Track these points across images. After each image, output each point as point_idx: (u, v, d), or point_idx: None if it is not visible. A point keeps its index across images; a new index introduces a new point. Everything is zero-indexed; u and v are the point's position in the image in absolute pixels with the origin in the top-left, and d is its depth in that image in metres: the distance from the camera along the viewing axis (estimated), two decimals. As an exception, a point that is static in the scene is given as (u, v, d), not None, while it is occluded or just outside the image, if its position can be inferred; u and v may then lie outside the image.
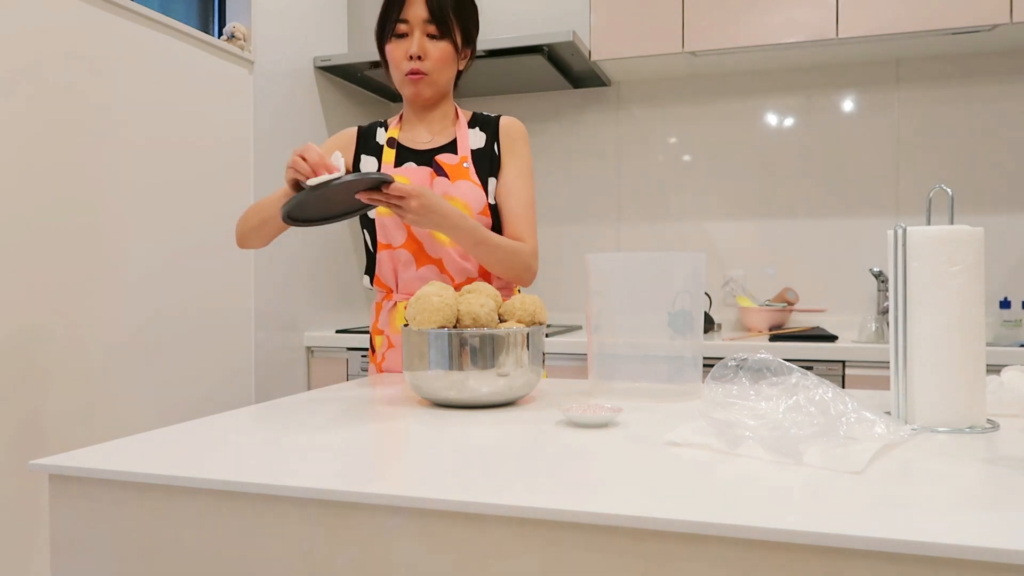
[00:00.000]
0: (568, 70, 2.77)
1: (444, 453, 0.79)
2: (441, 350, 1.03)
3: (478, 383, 1.03)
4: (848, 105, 2.71)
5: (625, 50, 2.54)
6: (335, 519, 0.67)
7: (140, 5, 1.96)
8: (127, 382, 1.91)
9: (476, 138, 1.52)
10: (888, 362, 0.93)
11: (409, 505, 0.64)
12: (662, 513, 0.58)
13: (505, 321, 1.12)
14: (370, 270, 1.54)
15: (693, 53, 2.52)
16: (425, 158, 1.50)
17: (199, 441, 0.86)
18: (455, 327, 1.06)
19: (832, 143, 2.72)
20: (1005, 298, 2.42)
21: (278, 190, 1.39)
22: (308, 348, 2.65)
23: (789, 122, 2.77)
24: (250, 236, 1.46)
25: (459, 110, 1.56)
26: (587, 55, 2.57)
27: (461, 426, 0.93)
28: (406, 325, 1.09)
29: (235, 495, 0.70)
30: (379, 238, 1.48)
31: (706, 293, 2.76)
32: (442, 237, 1.45)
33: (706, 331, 2.61)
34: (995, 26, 2.25)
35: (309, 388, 2.65)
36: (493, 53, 2.57)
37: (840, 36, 2.35)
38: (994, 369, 1.09)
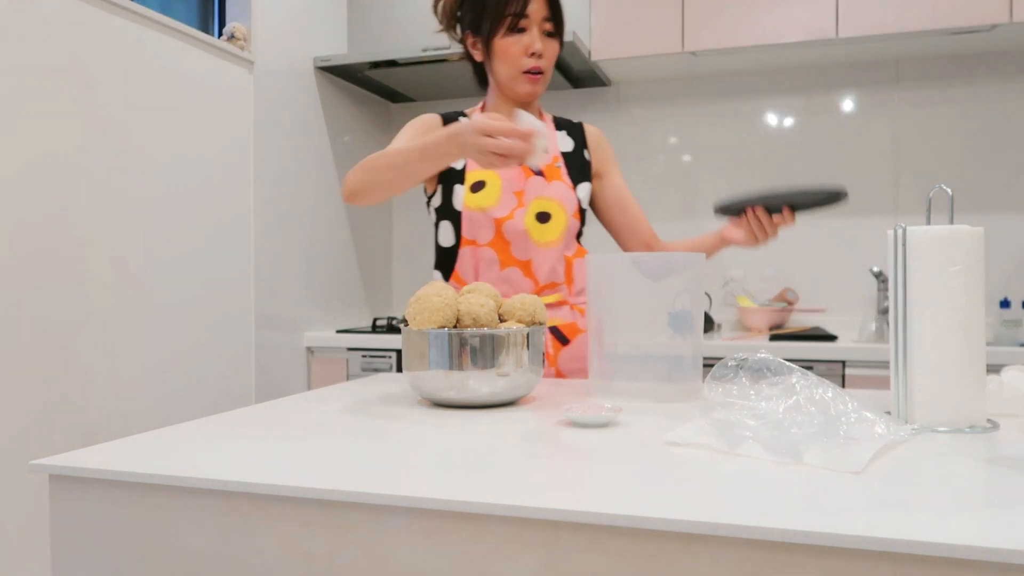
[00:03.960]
0: (568, 70, 2.77)
1: (444, 453, 0.79)
2: (441, 350, 1.03)
3: (478, 383, 1.03)
4: (848, 105, 2.71)
5: (625, 50, 2.54)
6: (335, 519, 0.67)
7: (140, 5, 1.96)
8: (127, 382, 1.91)
9: (564, 141, 1.51)
10: (888, 362, 0.93)
11: (409, 505, 0.64)
12: (662, 513, 0.58)
13: (505, 321, 1.12)
14: (443, 265, 1.47)
15: (693, 53, 2.52)
16: None
17: (199, 441, 0.86)
18: (455, 327, 1.06)
19: (832, 143, 2.72)
20: (1005, 298, 2.42)
21: (412, 145, 1.23)
22: (308, 348, 2.65)
23: (789, 122, 2.77)
24: (375, 191, 1.29)
25: (541, 109, 1.53)
26: (587, 55, 2.57)
27: (461, 426, 0.93)
28: (406, 325, 1.09)
29: (235, 495, 0.70)
30: (464, 232, 1.42)
31: (706, 293, 2.76)
32: (536, 236, 1.41)
33: (706, 331, 2.61)
34: (995, 26, 2.25)
35: (309, 388, 2.65)
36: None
37: (840, 36, 2.35)
38: (994, 369, 1.09)
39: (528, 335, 1.07)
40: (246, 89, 2.35)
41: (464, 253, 1.44)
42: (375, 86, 2.99)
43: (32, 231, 1.67)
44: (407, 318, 1.08)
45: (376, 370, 2.57)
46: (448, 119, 1.49)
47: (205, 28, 2.40)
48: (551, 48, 1.41)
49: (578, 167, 1.50)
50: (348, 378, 2.62)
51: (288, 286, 2.57)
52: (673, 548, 0.58)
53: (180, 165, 2.09)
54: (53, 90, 1.72)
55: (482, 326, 1.06)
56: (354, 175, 1.30)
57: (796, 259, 2.76)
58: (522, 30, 1.38)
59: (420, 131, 1.46)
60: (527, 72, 1.39)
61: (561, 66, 2.71)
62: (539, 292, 1.45)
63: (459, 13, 1.46)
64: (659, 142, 2.90)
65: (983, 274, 0.88)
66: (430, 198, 1.50)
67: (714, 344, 2.26)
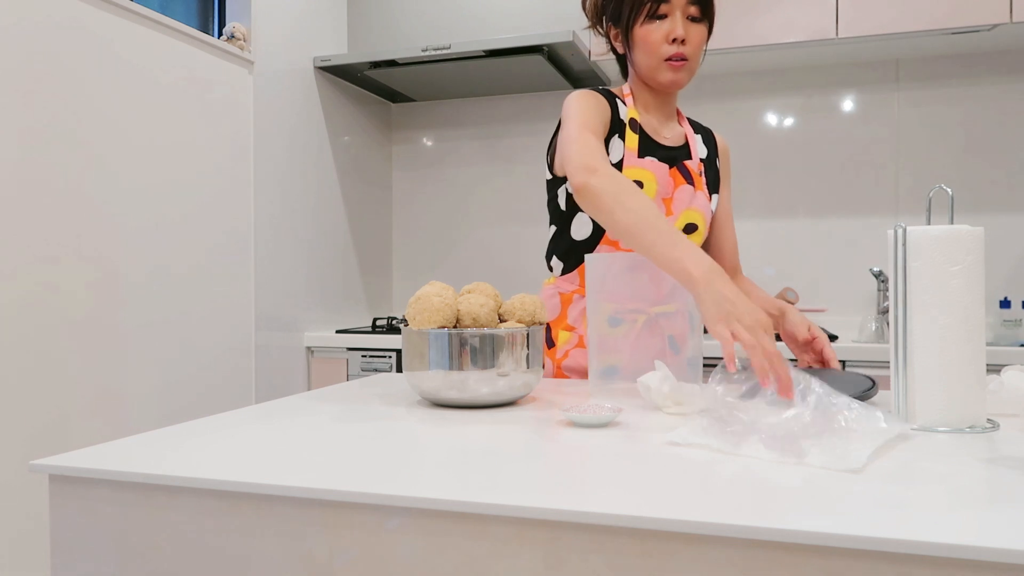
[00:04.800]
0: (568, 70, 2.77)
1: (444, 453, 0.79)
2: (441, 350, 1.03)
3: (478, 383, 1.03)
4: (848, 105, 2.71)
5: (625, 50, 2.54)
6: (335, 519, 0.67)
7: (140, 5, 1.96)
8: (127, 382, 1.91)
9: (701, 147, 1.45)
10: (888, 362, 0.93)
11: (409, 505, 0.64)
12: (662, 513, 0.58)
13: (505, 321, 1.12)
14: (568, 257, 1.41)
15: (693, 53, 2.51)
16: (667, 156, 1.38)
17: (199, 441, 0.86)
18: (455, 327, 1.06)
19: (832, 143, 2.72)
20: (1005, 298, 2.42)
21: (661, 221, 1.10)
22: (308, 348, 2.65)
23: (789, 122, 2.77)
24: (601, 215, 1.16)
25: (679, 110, 1.47)
26: (587, 55, 2.57)
27: (461, 426, 0.93)
28: (406, 325, 1.09)
29: (235, 495, 0.70)
30: (609, 233, 1.35)
31: (706, 293, 2.75)
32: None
33: (706, 331, 2.61)
34: (995, 26, 2.25)
35: (309, 388, 2.65)
36: (493, 53, 2.57)
37: (840, 36, 2.35)
38: (994, 369, 1.09)
39: (528, 335, 1.07)
40: (246, 89, 2.35)
41: (601, 251, 1.37)
42: (375, 86, 2.99)
43: (30, 231, 1.67)
44: (407, 318, 1.08)
45: (376, 370, 2.57)
46: (611, 101, 1.38)
47: (205, 28, 2.40)
48: (696, 34, 1.31)
49: (712, 177, 1.44)
50: (348, 378, 2.62)
51: (288, 286, 2.57)
52: (673, 548, 0.58)
53: (180, 165, 2.09)
54: (52, 90, 1.72)
55: (482, 326, 1.06)
56: (602, 182, 1.16)
57: (796, 259, 2.76)
58: (663, 16, 1.30)
59: (595, 108, 1.33)
60: (669, 60, 1.31)
61: (561, 66, 2.71)
62: (662, 300, 1.41)
63: (602, 5, 1.40)
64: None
65: (983, 274, 0.88)
66: (562, 180, 1.40)
67: (714, 344, 2.26)
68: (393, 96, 3.16)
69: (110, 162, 1.87)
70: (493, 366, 1.03)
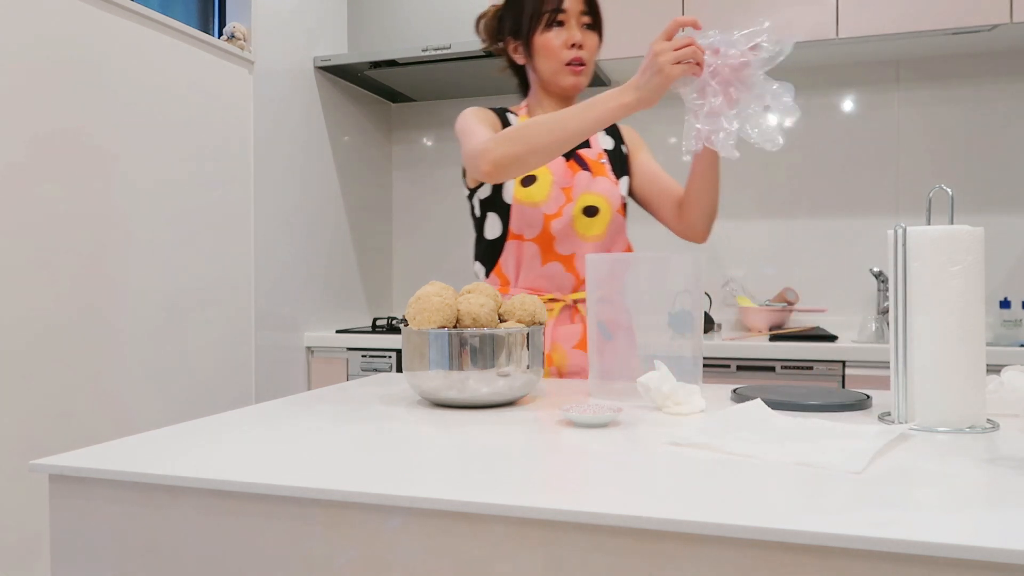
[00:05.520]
0: (568, 70, 2.77)
1: (444, 453, 0.79)
2: (441, 350, 1.03)
3: (478, 383, 1.03)
4: (848, 105, 2.71)
5: (624, 50, 2.54)
6: (335, 519, 0.67)
7: (140, 5, 1.96)
8: (127, 382, 1.91)
9: (605, 140, 1.54)
10: (888, 362, 0.93)
11: (409, 505, 0.64)
12: (662, 513, 0.58)
13: (505, 321, 1.12)
14: (486, 258, 1.49)
15: (693, 53, 2.51)
16: None
17: (199, 441, 0.86)
18: (455, 327, 1.06)
19: (832, 143, 2.72)
20: (1005, 298, 2.42)
21: (568, 108, 1.21)
22: (308, 348, 2.65)
23: (789, 122, 2.77)
24: (527, 159, 1.22)
25: None
26: (587, 55, 2.57)
27: (461, 426, 0.93)
28: (406, 325, 1.09)
29: (235, 495, 0.70)
30: (511, 226, 1.43)
31: (706, 293, 2.76)
32: (582, 230, 1.42)
33: (706, 331, 2.61)
34: (995, 26, 2.25)
35: (309, 388, 2.65)
36: (493, 53, 2.57)
37: (840, 36, 2.35)
38: (994, 369, 1.09)
39: (528, 335, 1.07)
40: (246, 89, 2.35)
41: (509, 247, 1.44)
42: (375, 86, 2.99)
43: (29, 230, 1.67)
44: (407, 318, 1.08)
45: (376, 370, 2.57)
46: (501, 117, 1.50)
47: (205, 28, 2.40)
48: (591, 40, 1.43)
49: (619, 163, 1.52)
50: (348, 378, 2.62)
51: (288, 286, 2.57)
52: (673, 548, 0.58)
53: (180, 165, 2.09)
54: (53, 90, 1.72)
55: (482, 326, 1.06)
56: (501, 147, 1.22)
57: (796, 259, 2.76)
58: (561, 23, 1.41)
59: (483, 116, 1.44)
60: (569, 64, 1.42)
61: (561, 66, 2.71)
62: (580, 287, 1.45)
63: (499, 24, 1.51)
64: (659, 142, 2.90)
65: (983, 274, 0.88)
66: (474, 190, 1.49)
67: (714, 344, 2.26)
68: (393, 96, 3.16)
69: (110, 162, 1.87)
70: (493, 366, 1.03)
